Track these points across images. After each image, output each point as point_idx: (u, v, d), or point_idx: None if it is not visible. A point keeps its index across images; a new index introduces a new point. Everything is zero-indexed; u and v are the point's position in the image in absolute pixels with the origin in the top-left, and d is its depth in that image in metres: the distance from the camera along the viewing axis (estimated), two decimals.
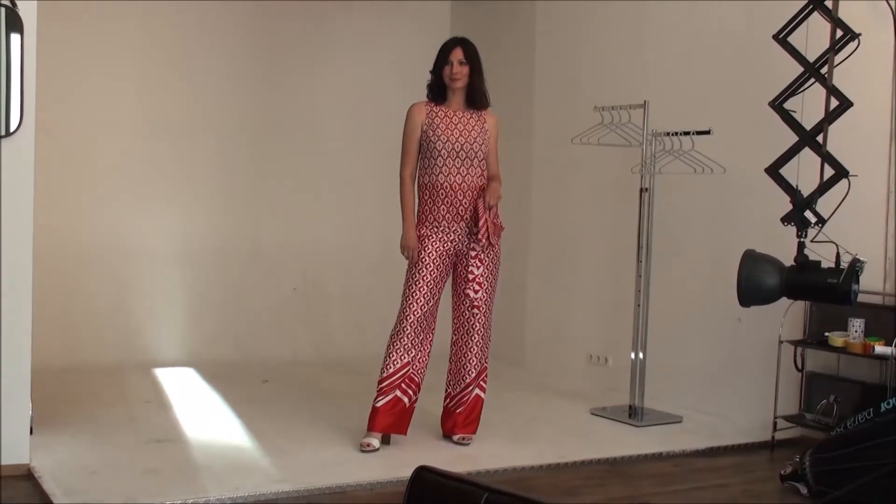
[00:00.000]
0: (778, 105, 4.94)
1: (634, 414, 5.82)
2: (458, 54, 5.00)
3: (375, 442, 4.92)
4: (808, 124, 4.86)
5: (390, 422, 4.96)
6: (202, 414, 5.65)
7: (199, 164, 7.35)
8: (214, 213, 7.41)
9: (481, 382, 5.18)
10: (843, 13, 4.82)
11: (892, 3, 4.91)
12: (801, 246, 4.73)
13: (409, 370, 4.97)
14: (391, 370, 4.95)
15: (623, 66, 6.70)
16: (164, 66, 7.21)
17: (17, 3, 4.34)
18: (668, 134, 5.78)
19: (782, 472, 4.56)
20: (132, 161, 7.10)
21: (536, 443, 5.25)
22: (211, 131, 7.37)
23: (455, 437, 5.13)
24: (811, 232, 4.75)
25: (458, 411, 5.15)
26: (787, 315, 5.28)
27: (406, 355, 4.96)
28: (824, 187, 4.75)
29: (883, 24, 4.96)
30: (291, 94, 7.66)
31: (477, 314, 5.08)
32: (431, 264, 4.97)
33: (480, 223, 4.95)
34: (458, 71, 4.99)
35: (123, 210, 7.10)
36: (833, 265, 4.63)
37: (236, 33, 7.46)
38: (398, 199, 5.10)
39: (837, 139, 4.82)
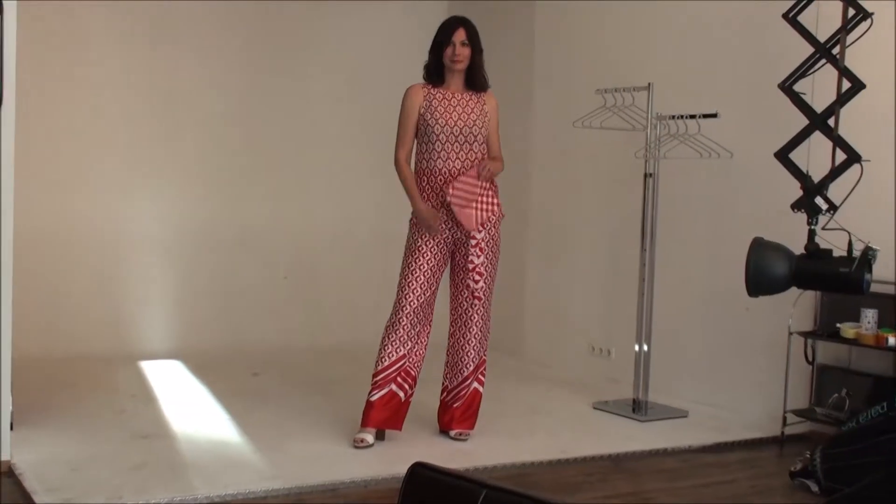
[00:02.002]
0: (788, 87, 4.92)
1: (638, 408, 5.82)
2: (460, 35, 4.96)
3: (369, 437, 4.90)
4: (819, 107, 4.85)
5: (385, 417, 4.95)
6: (190, 408, 5.64)
7: (186, 145, 7.32)
8: (203, 197, 7.39)
9: (479, 376, 5.17)
10: None
11: None
12: (811, 233, 4.72)
13: (404, 363, 4.96)
14: (386, 363, 4.93)
15: (627, 47, 6.67)
16: (149, 44, 7.17)
17: None
18: (673, 117, 5.76)
19: (792, 468, 4.56)
20: (117, 142, 7.08)
21: (536, 437, 5.26)
22: (199, 111, 7.35)
23: (452, 433, 5.13)
24: (822, 219, 4.74)
25: (455, 405, 5.14)
26: (797, 305, 5.28)
27: (402, 348, 4.94)
28: (836, 172, 4.73)
29: None
30: (284, 73, 7.63)
31: (476, 305, 5.06)
32: (429, 252, 4.95)
33: (450, 191, 4.87)
34: (461, 53, 4.96)
35: (107, 193, 7.07)
36: (845, 253, 4.62)
37: (226, 13, 7.41)
38: (394, 183, 5.08)
39: (849, 122, 4.80)
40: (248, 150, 7.52)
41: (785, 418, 5.33)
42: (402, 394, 4.98)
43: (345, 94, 7.81)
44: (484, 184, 4.92)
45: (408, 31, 7.56)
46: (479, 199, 4.91)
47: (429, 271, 4.95)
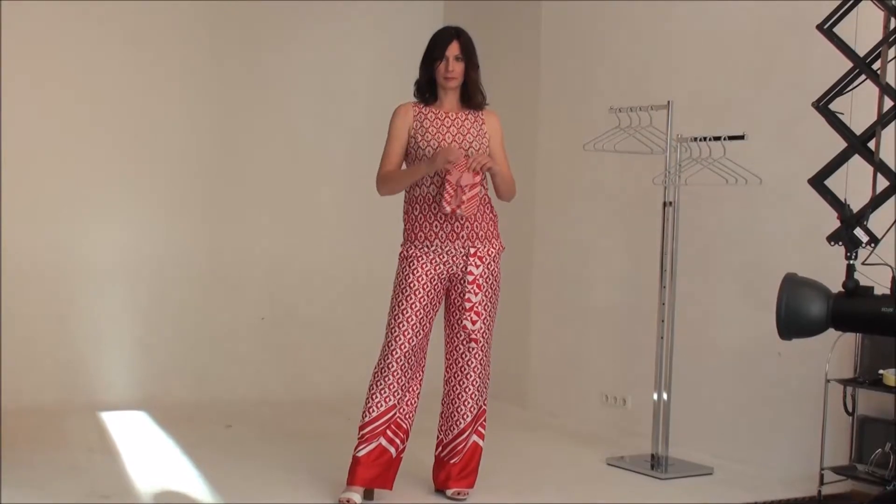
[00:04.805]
0: (823, 106, 4.91)
1: (657, 464, 5.79)
2: (454, 50, 4.95)
3: (356, 497, 4.87)
4: (859, 128, 4.83)
5: (374, 474, 4.92)
6: (155, 464, 5.62)
7: (151, 168, 7.32)
8: (170, 227, 7.38)
9: (479, 428, 5.14)
10: None
11: None
12: (850, 269, 4.69)
13: (395, 414, 4.93)
14: (374, 414, 4.90)
15: (643, 62, 6.68)
16: (110, 50, 7.17)
17: None
18: (695, 139, 5.76)
19: None
20: (72, 163, 7.06)
21: (543, 497, 5.23)
22: (166, 128, 7.35)
23: (449, 492, 5.10)
24: (862, 253, 4.72)
25: (452, 461, 5.11)
26: (835, 349, 5.25)
27: (392, 397, 4.91)
28: (877, 201, 4.71)
29: None
30: (262, 88, 7.65)
31: (474, 348, 5.03)
32: (421, 290, 4.92)
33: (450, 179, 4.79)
34: (454, 69, 4.96)
35: (62, 221, 7.05)
36: (888, 291, 4.60)
37: (197, 18, 7.43)
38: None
39: (892, 145, 4.79)
40: (223, 173, 7.52)
41: (822, 476, 5.28)
42: (392, 449, 4.95)
43: (332, 112, 7.82)
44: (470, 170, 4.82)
45: (399, 45, 7.56)
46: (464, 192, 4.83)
47: (421, 311, 4.92)
